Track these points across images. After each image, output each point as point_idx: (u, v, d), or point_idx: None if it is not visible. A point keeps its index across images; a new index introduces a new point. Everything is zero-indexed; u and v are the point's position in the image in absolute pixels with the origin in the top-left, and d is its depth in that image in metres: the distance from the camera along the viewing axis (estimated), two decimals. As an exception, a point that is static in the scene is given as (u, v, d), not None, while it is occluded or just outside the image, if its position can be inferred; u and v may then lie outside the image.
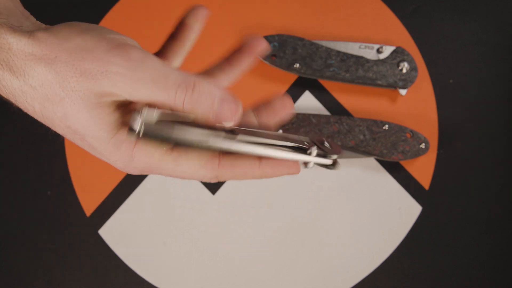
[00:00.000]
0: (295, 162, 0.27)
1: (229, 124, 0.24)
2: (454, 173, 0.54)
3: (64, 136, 0.25)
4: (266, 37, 0.53)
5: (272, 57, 0.53)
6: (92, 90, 0.22)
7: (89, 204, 0.54)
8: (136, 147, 0.25)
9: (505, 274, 0.52)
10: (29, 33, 0.23)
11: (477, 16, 0.57)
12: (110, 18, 0.56)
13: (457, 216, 0.53)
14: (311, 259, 0.52)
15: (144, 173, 0.26)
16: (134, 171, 0.26)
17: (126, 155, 0.25)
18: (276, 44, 0.53)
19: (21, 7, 0.26)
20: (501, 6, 0.57)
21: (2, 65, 0.23)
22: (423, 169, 0.54)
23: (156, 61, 0.23)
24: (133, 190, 0.54)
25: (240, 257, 0.53)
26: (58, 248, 0.53)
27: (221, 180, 0.27)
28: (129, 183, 0.54)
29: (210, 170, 0.26)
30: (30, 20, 0.25)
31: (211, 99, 0.23)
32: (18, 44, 0.22)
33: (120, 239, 0.53)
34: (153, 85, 0.22)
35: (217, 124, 0.24)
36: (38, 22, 0.26)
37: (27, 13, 0.26)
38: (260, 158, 0.26)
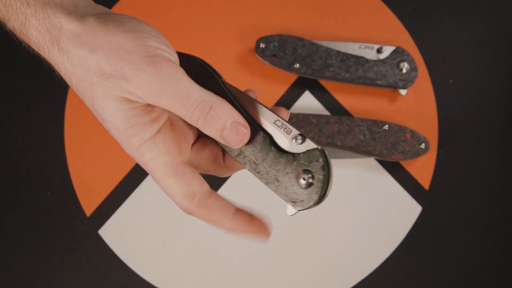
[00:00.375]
0: (266, 227, 0.29)
1: (236, 147, 0.27)
2: (454, 173, 0.54)
3: (90, 109, 0.28)
4: (266, 37, 0.53)
5: (272, 57, 0.53)
6: (121, 87, 0.24)
7: (89, 204, 0.54)
8: (144, 145, 0.27)
9: (505, 274, 0.52)
10: (81, 17, 0.25)
11: (477, 16, 0.57)
12: (110, 18, 0.56)
13: (457, 216, 0.53)
14: (311, 259, 0.52)
15: (142, 167, 0.28)
16: (135, 159, 0.28)
17: (133, 147, 0.27)
18: (276, 44, 0.53)
19: None
20: (501, 6, 0.57)
21: (53, 40, 0.25)
22: (423, 169, 0.54)
23: (184, 78, 0.25)
24: (133, 190, 0.54)
25: (240, 257, 0.53)
26: (58, 248, 0.53)
27: (193, 216, 0.28)
28: (129, 183, 0.54)
29: (188, 203, 0.28)
30: (87, 1, 0.27)
31: (222, 124, 0.26)
32: (69, 25, 0.25)
33: (120, 239, 0.53)
34: (175, 100, 0.25)
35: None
36: (94, 4, 0.27)
37: None
38: (235, 212, 0.28)
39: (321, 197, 0.26)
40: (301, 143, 0.27)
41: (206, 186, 0.28)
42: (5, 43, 0.57)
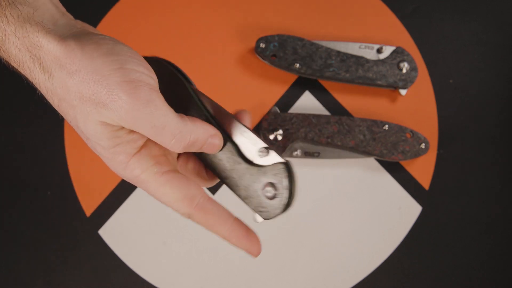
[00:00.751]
0: (259, 244, 0.29)
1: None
2: (454, 173, 0.54)
3: (74, 128, 0.28)
4: (266, 37, 0.53)
5: (272, 57, 0.53)
6: (99, 112, 0.24)
7: (89, 204, 0.54)
8: (132, 160, 0.27)
9: (505, 274, 0.52)
10: (60, 38, 0.24)
11: (477, 16, 0.57)
12: (110, 18, 0.56)
13: (457, 216, 0.53)
14: (311, 259, 0.52)
15: (131, 183, 0.28)
16: (124, 177, 0.28)
17: (121, 164, 0.27)
18: (276, 44, 0.53)
19: (57, 2, 0.27)
20: (501, 6, 0.57)
21: (33, 59, 0.25)
22: (423, 169, 0.54)
23: (160, 104, 0.25)
24: (133, 190, 0.54)
25: (240, 257, 0.53)
26: (58, 248, 0.53)
27: (192, 220, 0.29)
28: (129, 183, 0.54)
29: (186, 206, 0.28)
30: (66, 18, 0.27)
31: (201, 144, 0.27)
32: (48, 45, 0.24)
33: (120, 239, 0.53)
34: (151, 129, 0.25)
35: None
36: (73, 21, 0.27)
37: (63, 9, 0.27)
38: (233, 220, 0.29)
39: (285, 208, 0.27)
40: (266, 156, 0.27)
41: (202, 190, 0.28)
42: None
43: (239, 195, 0.29)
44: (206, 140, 0.27)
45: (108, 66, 0.24)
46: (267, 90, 0.55)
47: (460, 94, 0.55)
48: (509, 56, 0.56)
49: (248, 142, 0.28)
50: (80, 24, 0.27)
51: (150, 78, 0.25)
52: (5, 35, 0.24)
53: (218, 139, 0.28)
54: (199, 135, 0.27)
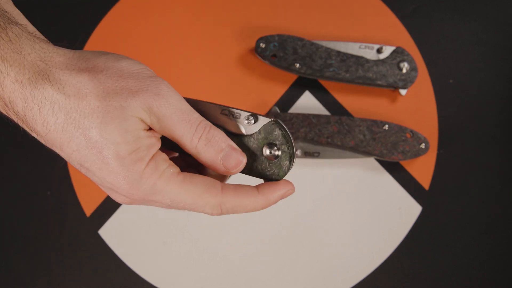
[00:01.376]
0: (289, 185, 0.29)
1: (233, 171, 0.27)
2: (454, 173, 0.54)
3: (74, 152, 0.27)
4: (266, 37, 0.53)
5: (272, 57, 0.53)
6: (130, 103, 0.25)
7: (89, 204, 0.54)
8: (149, 165, 0.26)
9: (505, 274, 0.52)
10: (72, 50, 0.26)
11: (477, 16, 0.57)
12: (110, 18, 0.56)
13: (457, 216, 0.53)
14: (311, 259, 0.52)
15: (144, 200, 0.27)
16: (136, 194, 0.26)
17: (136, 173, 0.25)
18: (276, 44, 0.53)
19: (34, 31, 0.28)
20: (501, 6, 0.57)
21: (37, 77, 0.24)
22: (423, 169, 0.54)
23: (182, 97, 0.26)
24: (133, 190, 0.54)
25: (240, 257, 0.53)
26: (58, 248, 0.53)
27: (224, 212, 0.27)
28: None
29: (214, 195, 0.27)
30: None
31: (220, 146, 0.27)
32: (59, 57, 0.25)
33: (120, 239, 0.53)
34: (181, 113, 0.25)
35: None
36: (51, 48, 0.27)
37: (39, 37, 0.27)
38: (258, 188, 0.28)
39: (291, 159, 0.28)
40: (254, 122, 0.28)
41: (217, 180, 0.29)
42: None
43: (244, 172, 0.29)
44: (223, 144, 0.27)
45: (134, 66, 0.26)
46: (267, 90, 0.55)
47: (460, 94, 0.55)
48: (509, 56, 0.56)
49: (231, 118, 0.28)
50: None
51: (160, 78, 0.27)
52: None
53: (238, 152, 0.27)
54: (218, 134, 0.27)
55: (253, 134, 0.28)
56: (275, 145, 0.28)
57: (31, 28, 0.28)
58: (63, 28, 0.56)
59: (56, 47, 0.25)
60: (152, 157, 0.26)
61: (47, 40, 0.26)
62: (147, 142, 0.26)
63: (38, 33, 0.27)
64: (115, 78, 0.25)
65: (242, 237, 0.53)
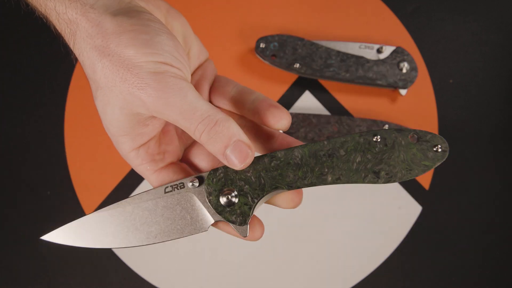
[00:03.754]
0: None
1: (239, 166, 0.26)
2: (454, 173, 0.54)
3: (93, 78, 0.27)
4: (266, 37, 0.53)
5: (272, 57, 0.53)
6: (124, 97, 0.25)
7: (89, 204, 0.54)
8: (132, 153, 0.28)
9: (505, 274, 0.52)
10: (99, 16, 0.25)
11: (477, 16, 0.57)
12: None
13: (457, 216, 0.53)
14: (311, 259, 0.52)
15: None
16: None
17: (121, 151, 0.29)
18: (276, 44, 0.53)
19: None
20: (501, 6, 0.57)
21: (70, 35, 0.26)
22: (423, 169, 0.54)
23: (190, 93, 0.25)
24: (133, 190, 0.54)
25: (240, 257, 0.53)
26: (58, 248, 0.53)
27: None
28: (129, 183, 0.54)
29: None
30: None
31: (226, 141, 0.25)
32: (84, 24, 0.25)
33: (120, 239, 0.53)
34: (179, 114, 0.25)
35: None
36: None
37: None
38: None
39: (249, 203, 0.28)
40: (196, 182, 0.28)
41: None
42: (5, 43, 0.57)
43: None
44: (232, 139, 0.25)
45: (140, 58, 0.25)
46: (267, 90, 0.55)
47: (460, 94, 0.55)
48: (509, 56, 0.56)
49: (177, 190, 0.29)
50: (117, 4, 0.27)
51: (182, 72, 0.26)
52: (45, 9, 0.25)
53: (247, 146, 0.26)
54: (228, 128, 0.25)
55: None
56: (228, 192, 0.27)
57: None
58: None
59: (85, 11, 0.25)
60: (138, 147, 0.28)
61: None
62: (137, 131, 0.27)
63: None
64: (116, 68, 0.24)
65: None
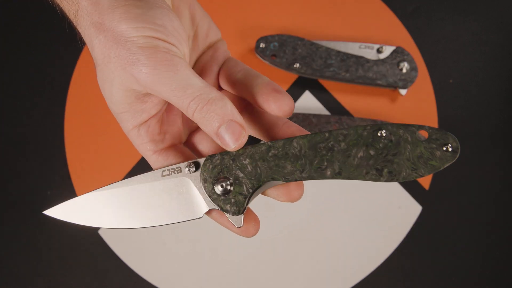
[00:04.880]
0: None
1: (232, 146, 0.25)
2: (454, 173, 0.54)
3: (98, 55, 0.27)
4: (266, 37, 0.53)
5: (272, 57, 0.53)
6: (119, 73, 0.25)
7: (89, 204, 0.54)
8: (132, 131, 0.28)
9: (505, 274, 0.52)
10: None
11: (477, 16, 0.57)
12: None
13: (457, 216, 0.53)
14: (311, 259, 0.52)
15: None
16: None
17: (125, 129, 0.29)
18: (276, 44, 0.53)
19: None
20: (501, 6, 0.57)
21: (74, 14, 0.26)
22: (423, 169, 0.54)
23: (183, 69, 0.25)
24: (133, 190, 0.54)
25: (239, 257, 0.53)
26: (58, 248, 0.53)
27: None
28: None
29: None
30: None
31: (218, 121, 0.25)
32: (83, 2, 0.25)
33: (120, 239, 0.53)
34: (170, 91, 0.24)
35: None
36: None
37: None
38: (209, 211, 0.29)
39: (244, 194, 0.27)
40: (192, 167, 0.27)
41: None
42: (5, 43, 0.57)
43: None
44: (225, 118, 0.25)
45: (132, 33, 0.24)
46: (267, 90, 0.55)
47: (460, 94, 0.55)
48: (509, 56, 0.56)
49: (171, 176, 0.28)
50: None
51: (175, 48, 0.25)
52: None
53: (240, 126, 0.25)
54: (221, 107, 0.25)
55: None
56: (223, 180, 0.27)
57: None
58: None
59: None
60: (138, 126, 0.28)
61: None
62: (136, 108, 0.27)
63: None
64: (110, 44, 0.24)
65: (241, 237, 0.53)
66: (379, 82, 0.53)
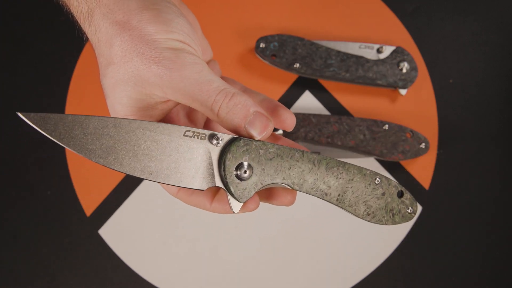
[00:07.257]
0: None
1: (258, 137, 0.26)
2: (454, 173, 0.54)
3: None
4: (266, 37, 0.53)
5: (272, 57, 0.53)
6: (140, 73, 0.25)
7: (89, 204, 0.54)
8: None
9: (505, 274, 0.52)
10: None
11: (477, 16, 0.57)
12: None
13: (457, 216, 0.53)
14: (311, 259, 0.52)
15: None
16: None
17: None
18: (276, 44, 0.53)
19: None
20: (501, 6, 0.57)
21: (88, 12, 0.26)
22: (423, 169, 0.54)
23: (205, 68, 0.26)
24: (133, 190, 0.54)
25: (239, 257, 0.53)
26: (58, 248, 0.53)
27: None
28: (129, 183, 0.54)
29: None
30: None
31: (246, 110, 0.26)
32: (105, 1, 0.26)
33: (120, 239, 0.53)
34: (197, 85, 0.25)
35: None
36: None
37: None
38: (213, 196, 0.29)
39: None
40: (221, 141, 0.27)
41: None
42: (5, 43, 0.57)
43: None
44: (251, 109, 0.26)
45: (160, 35, 0.25)
46: (267, 90, 0.55)
47: (460, 94, 0.55)
48: (509, 56, 0.56)
49: (195, 140, 0.27)
50: None
51: (196, 52, 0.27)
52: None
53: (265, 117, 0.26)
54: (246, 99, 0.26)
55: (223, 149, 0.27)
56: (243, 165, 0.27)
57: None
58: (67, 25, 0.56)
59: None
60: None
61: None
62: (143, 114, 0.27)
63: None
64: (135, 42, 0.25)
65: (241, 237, 0.53)
66: (379, 82, 0.53)
